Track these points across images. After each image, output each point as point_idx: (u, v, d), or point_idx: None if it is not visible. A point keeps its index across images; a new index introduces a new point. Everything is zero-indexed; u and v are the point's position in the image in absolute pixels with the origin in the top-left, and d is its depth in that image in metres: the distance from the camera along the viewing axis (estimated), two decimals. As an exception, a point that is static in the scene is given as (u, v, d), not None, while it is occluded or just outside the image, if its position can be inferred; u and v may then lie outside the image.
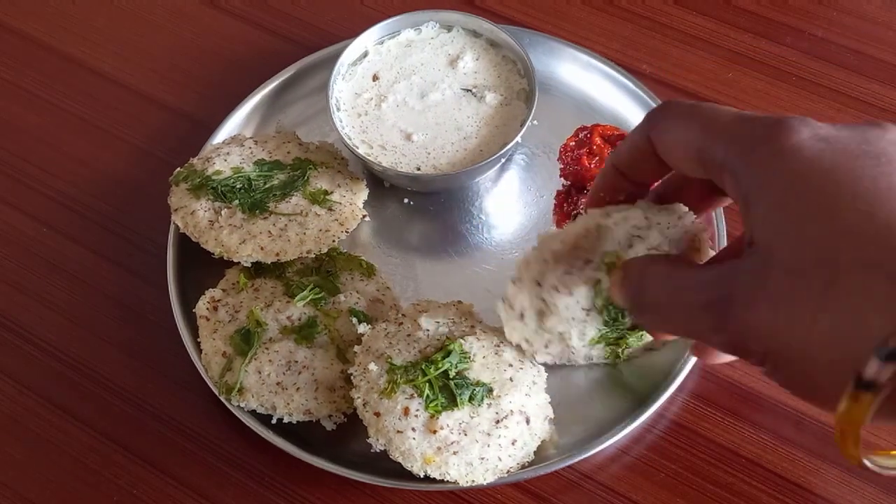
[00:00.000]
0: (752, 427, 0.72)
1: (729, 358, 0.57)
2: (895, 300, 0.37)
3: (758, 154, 0.43)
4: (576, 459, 0.69)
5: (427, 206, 0.84)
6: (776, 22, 0.95)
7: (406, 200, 0.85)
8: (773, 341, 0.41)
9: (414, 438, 0.63)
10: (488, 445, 0.64)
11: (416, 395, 0.64)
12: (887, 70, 0.91)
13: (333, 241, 0.76)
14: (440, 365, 0.65)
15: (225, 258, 0.75)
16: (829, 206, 0.39)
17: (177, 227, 0.77)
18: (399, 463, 0.64)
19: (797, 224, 0.40)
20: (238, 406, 0.70)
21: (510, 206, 0.84)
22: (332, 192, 0.78)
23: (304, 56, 0.90)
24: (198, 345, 0.73)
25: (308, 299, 0.73)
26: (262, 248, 0.74)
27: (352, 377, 0.67)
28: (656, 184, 0.58)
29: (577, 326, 0.65)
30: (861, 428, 0.38)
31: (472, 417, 0.64)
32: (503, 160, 0.84)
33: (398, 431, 0.63)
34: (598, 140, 0.79)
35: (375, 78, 0.85)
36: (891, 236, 0.38)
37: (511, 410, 0.66)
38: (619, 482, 0.71)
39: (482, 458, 0.64)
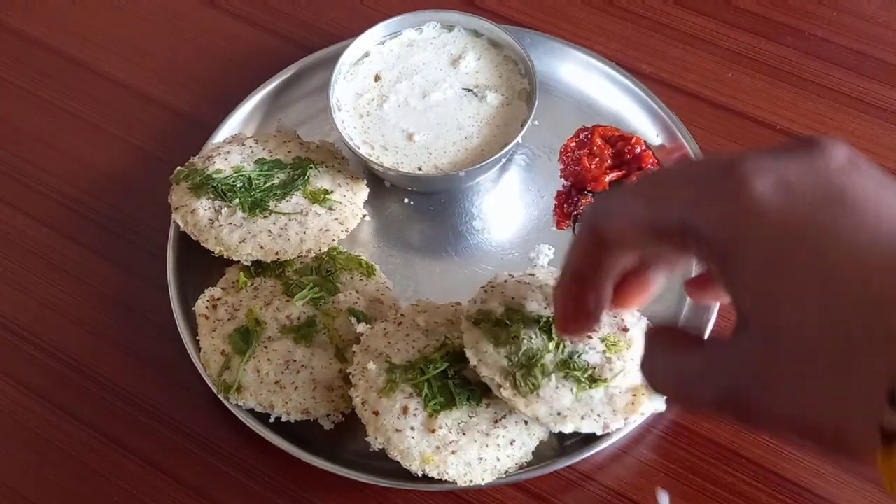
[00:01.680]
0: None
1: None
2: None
3: (720, 212, 0.40)
4: (576, 459, 0.69)
5: (427, 206, 0.84)
6: (776, 22, 0.95)
7: (406, 200, 0.84)
8: (796, 420, 0.39)
9: (412, 437, 0.63)
10: (487, 445, 0.64)
11: (414, 394, 0.64)
12: (887, 70, 0.91)
13: (333, 240, 0.76)
14: (439, 364, 0.65)
15: (225, 257, 0.75)
16: (820, 272, 0.38)
17: (177, 227, 0.77)
18: (397, 462, 0.64)
19: (793, 296, 0.38)
20: (236, 404, 0.70)
21: (511, 206, 0.84)
22: (332, 192, 0.78)
23: (304, 56, 0.90)
24: (197, 344, 0.73)
25: (307, 298, 0.73)
26: (262, 247, 0.74)
27: (350, 376, 0.67)
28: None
29: None
30: None
31: (470, 417, 0.64)
32: (504, 160, 0.84)
33: (397, 430, 0.63)
34: (598, 140, 0.80)
35: (377, 78, 0.85)
36: (888, 303, 0.36)
37: (510, 410, 0.65)
38: (619, 482, 0.70)
39: (481, 458, 0.64)
